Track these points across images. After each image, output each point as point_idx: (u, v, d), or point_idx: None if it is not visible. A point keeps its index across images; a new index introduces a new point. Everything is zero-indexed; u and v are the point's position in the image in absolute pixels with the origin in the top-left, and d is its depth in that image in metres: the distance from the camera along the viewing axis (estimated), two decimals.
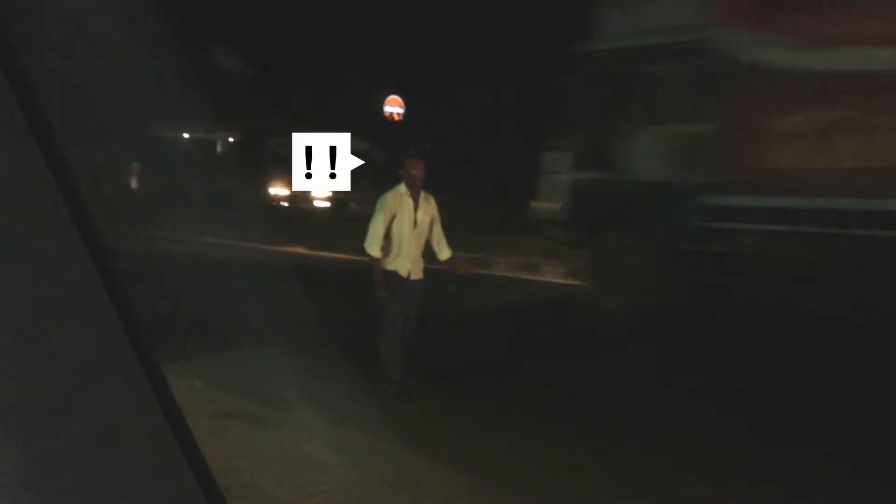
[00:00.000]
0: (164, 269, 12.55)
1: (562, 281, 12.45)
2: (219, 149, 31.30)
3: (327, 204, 24.95)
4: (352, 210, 22.55)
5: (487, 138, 23.38)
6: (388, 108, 26.46)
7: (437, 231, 6.11)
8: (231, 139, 31.49)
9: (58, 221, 1.05)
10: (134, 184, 27.52)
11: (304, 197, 24.84)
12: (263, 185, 26.13)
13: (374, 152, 22.99)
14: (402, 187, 5.96)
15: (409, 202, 5.94)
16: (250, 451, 4.50)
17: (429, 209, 6.04)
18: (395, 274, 5.90)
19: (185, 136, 30.17)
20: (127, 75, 16.47)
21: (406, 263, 5.92)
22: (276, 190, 25.96)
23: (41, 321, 0.99)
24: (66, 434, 0.98)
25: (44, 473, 0.95)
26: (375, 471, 4.35)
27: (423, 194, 6.01)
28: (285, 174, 22.63)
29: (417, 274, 6.00)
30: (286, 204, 25.48)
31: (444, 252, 6.15)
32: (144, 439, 1.09)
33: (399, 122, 26.52)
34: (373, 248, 5.87)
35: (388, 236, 5.89)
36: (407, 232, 5.91)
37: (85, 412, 1.01)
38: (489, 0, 23.16)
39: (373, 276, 5.91)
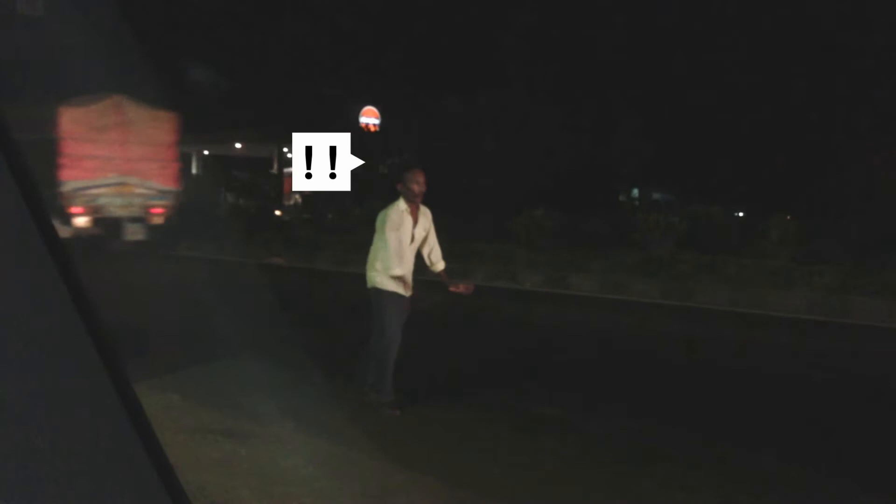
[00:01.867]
0: (134, 284, 12.43)
1: None
2: (194, 162, 31.15)
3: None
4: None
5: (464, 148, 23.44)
6: (363, 120, 26.43)
7: (432, 242, 5.92)
8: (206, 153, 31.38)
9: (24, 236, 1.02)
10: None
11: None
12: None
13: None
14: (402, 203, 5.70)
15: (409, 219, 5.71)
16: (229, 466, 4.43)
17: (425, 223, 5.84)
18: (395, 294, 5.67)
19: None
20: (100, 89, 16.58)
21: (403, 281, 5.70)
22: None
23: (5, 342, 0.96)
24: (33, 452, 0.95)
25: (8, 493, 0.92)
26: (356, 483, 4.31)
27: (420, 208, 5.82)
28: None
29: (410, 290, 5.78)
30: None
31: (437, 264, 5.95)
32: (115, 459, 1.06)
33: (375, 132, 26.51)
34: (395, 267, 5.59)
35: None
36: (405, 248, 5.69)
37: (52, 431, 0.98)
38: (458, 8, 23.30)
39: (381, 299, 5.65)
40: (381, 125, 26.51)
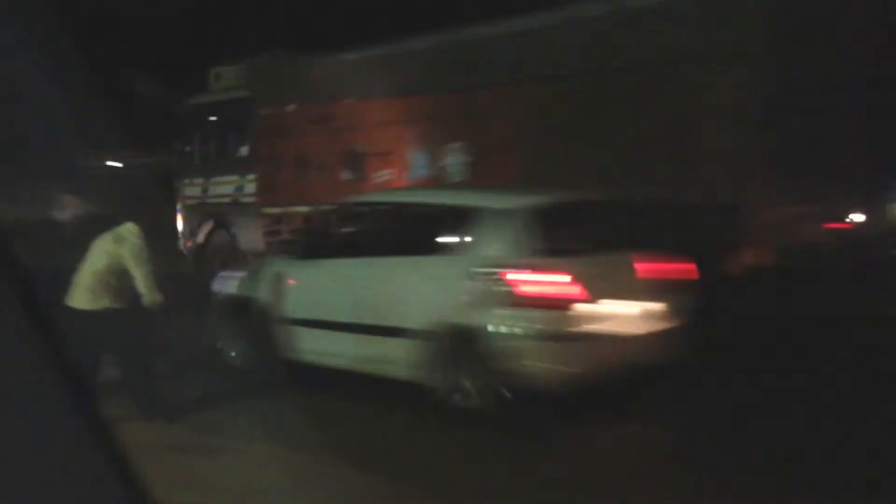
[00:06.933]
0: None
1: None
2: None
3: None
4: None
5: None
6: None
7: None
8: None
9: None
10: (62, 215, 26.56)
11: None
12: None
13: None
14: None
15: None
16: (198, 483, 4.34)
17: None
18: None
19: (113, 164, 29.35)
20: (49, 106, 16.09)
21: None
22: None
23: None
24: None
25: None
26: (326, 494, 4.22)
27: None
28: None
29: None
30: None
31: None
32: (86, 479, 1.02)
33: None
34: None
35: (121, 280, 5.51)
36: None
37: (22, 451, 0.94)
38: None
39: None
40: None
